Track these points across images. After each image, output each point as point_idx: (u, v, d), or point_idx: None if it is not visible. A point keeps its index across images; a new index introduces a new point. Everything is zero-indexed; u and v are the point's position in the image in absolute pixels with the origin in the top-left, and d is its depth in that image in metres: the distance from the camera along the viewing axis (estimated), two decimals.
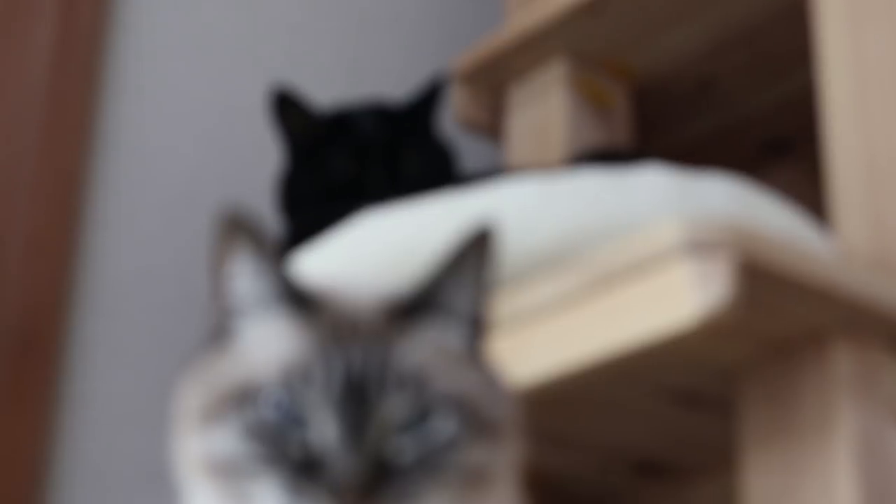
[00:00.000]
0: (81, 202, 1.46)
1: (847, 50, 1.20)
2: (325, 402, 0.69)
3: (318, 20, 1.71)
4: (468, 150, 1.62)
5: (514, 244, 1.07)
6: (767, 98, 1.63)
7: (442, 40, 1.79)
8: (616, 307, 1.00)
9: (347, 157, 1.40)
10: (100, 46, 1.53)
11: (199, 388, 0.74)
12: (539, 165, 1.50)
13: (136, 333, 1.46)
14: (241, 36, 1.65)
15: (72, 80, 1.49)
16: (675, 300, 0.95)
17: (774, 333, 1.02)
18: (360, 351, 0.70)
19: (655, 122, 1.66)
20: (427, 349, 0.72)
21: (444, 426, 0.70)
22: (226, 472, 0.70)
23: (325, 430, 0.69)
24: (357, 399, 0.69)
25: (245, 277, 0.74)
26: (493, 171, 1.46)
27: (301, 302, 0.73)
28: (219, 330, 0.75)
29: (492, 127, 1.64)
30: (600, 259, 1.03)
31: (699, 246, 0.95)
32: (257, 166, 1.54)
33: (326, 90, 1.55)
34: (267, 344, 0.72)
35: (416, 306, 0.73)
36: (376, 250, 1.14)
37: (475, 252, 0.74)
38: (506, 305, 1.04)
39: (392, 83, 1.65)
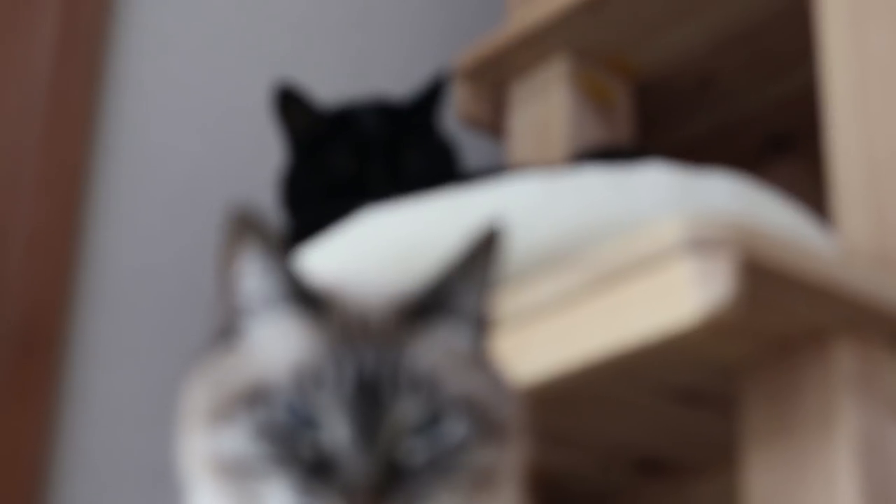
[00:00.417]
0: (84, 199, 1.46)
1: (848, 47, 1.20)
2: (338, 404, 0.69)
3: (321, 17, 1.71)
4: (470, 147, 1.62)
5: (516, 242, 1.07)
6: (769, 95, 1.63)
7: (444, 37, 1.79)
8: (618, 305, 1.00)
9: (350, 154, 1.40)
10: (102, 43, 1.53)
11: (206, 386, 0.73)
12: (541, 162, 1.50)
13: (139, 331, 1.46)
14: (244, 32, 1.65)
15: (74, 77, 1.49)
16: (677, 298, 0.95)
17: (776, 331, 1.02)
18: (372, 352, 0.70)
19: (657, 119, 1.66)
20: (438, 351, 0.72)
21: (454, 429, 0.70)
22: (234, 471, 0.70)
23: (337, 431, 0.69)
24: (369, 401, 0.69)
25: (254, 276, 0.74)
26: (494, 169, 1.46)
27: (310, 301, 0.73)
28: (227, 329, 0.75)
29: (494, 124, 1.64)
30: (602, 257, 1.03)
31: (701, 244, 0.95)
32: (260, 163, 1.55)
33: (329, 87, 1.55)
34: (277, 344, 0.72)
35: (426, 307, 0.73)
36: (378, 247, 1.14)
37: (484, 253, 0.74)
38: (508, 303, 1.04)
39: (394, 80, 1.65)
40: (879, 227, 1.13)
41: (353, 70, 1.71)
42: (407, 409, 0.69)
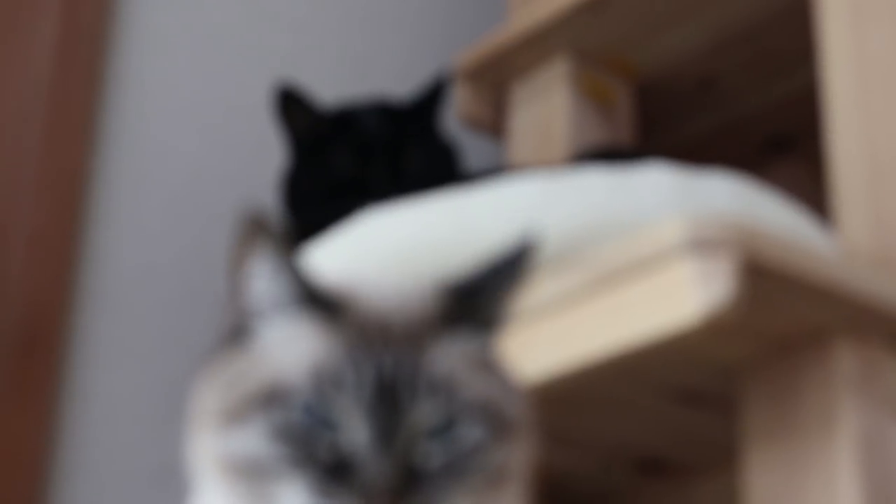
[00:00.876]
0: (85, 199, 1.47)
1: (849, 47, 1.20)
2: (357, 406, 0.69)
3: (322, 17, 1.71)
4: (471, 148, 1.62)
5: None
6: (770, 95, 1.63)
7: (445, 38, 1.79)
8: (619, 305, 1.00)
9: (351, 154, 1.40)
10: (103, 43, 1.53)
11: (217, 387, 0.73)
12: (542, 163, 1.50)
13: (140, 330, 1.46)
14: (245, 33, 1.65)
15: (75, 77, 1.49)
16: (678, 298, 0.96)
17: (777, 331, 1.02)
18: (391, 356, 0.70)
19: (658, 119, 1.66)
20: (456, 355, 0.72)
21: (470, 433, 0.71)
22: (248, 471, 0.70)
23: (356, 433, 0.69)
24: (388, 404, 0.69)
25: (265, 278, 0.74)
26: (495, 169, 1.46)
27: (324, 303, 0.73)
28: (238, 330, 0.75)
29: (495, 124, 1.64)
30: (603, 257, 1.03)
31: (702, 244, 0.95)
32: (261, 163, 1.55)
33: (330, 87, 1.55)
34: (292, 345, 0.72)
35: (451, 314, 0.73)
36: (379, 248, 1.14)
37: (516, 265, 0.75)
38: None
39: (395, 81, 1.65)
40: (880, 227, 1.13)
41: (354, 70, 1.71)
42: (425, 413, 0.69)
